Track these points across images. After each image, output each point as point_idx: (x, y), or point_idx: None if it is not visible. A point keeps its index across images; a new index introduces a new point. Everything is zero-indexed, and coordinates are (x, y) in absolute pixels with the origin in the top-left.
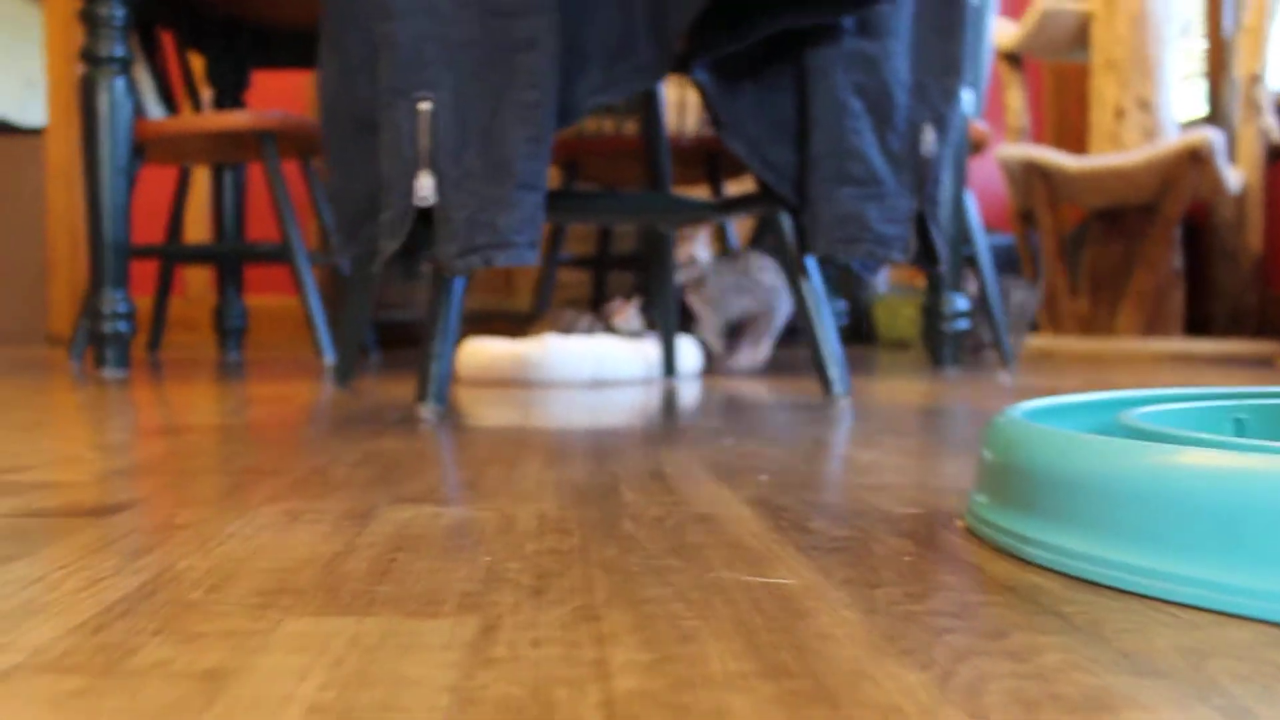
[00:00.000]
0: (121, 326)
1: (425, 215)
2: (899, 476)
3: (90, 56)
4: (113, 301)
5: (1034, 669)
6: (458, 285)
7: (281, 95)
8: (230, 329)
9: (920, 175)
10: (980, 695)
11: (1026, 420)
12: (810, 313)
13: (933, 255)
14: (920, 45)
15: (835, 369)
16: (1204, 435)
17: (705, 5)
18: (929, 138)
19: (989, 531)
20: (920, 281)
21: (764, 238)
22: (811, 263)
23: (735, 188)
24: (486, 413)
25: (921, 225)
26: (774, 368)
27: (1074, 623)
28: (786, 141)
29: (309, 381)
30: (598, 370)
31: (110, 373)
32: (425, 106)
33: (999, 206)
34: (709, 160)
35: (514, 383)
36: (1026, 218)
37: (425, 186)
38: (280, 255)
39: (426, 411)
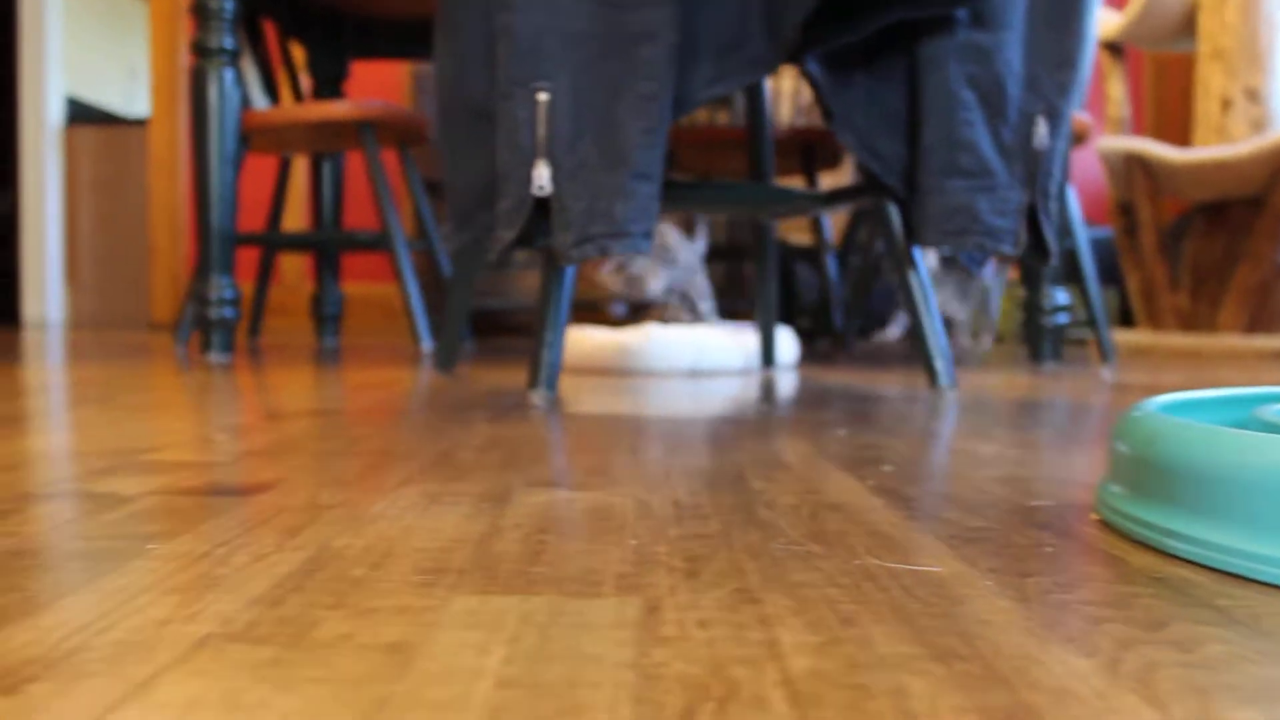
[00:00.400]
0: (228, 312)
1: (541, 204)
2: (1021, 469)
3: (201, 48)
4: (219, 288)
5: (1200, 659)
6: (569, 274)
7: (379, 85)
8: (327, 315)
9: (1032, 168)
10: (1151, 683)
11: (1166, 414)
12: (917, 305)
13: (1044, 249)
14: (1034, 37)
15: (941, 361)
16: None
17: None
18: (1041, 130)
19: (1127, 524)
20: (1012, 274)
21: (859, 229)
22: (918, 254)
23: (830, 179)
24: (594, 400)
25: (1032, 218)
26: (867, 359)
27: (1232, 616)
28: (896, 133)
29: (410, 368)
30: (697, 360)
31: (216, 357)
32: (543, 97)
33: (1097, 199)
34: (804, 151)
35: (614, 371)
36: (1125, 210)
37: (542, 176)
38: (379, 243)
39: (538, 398)
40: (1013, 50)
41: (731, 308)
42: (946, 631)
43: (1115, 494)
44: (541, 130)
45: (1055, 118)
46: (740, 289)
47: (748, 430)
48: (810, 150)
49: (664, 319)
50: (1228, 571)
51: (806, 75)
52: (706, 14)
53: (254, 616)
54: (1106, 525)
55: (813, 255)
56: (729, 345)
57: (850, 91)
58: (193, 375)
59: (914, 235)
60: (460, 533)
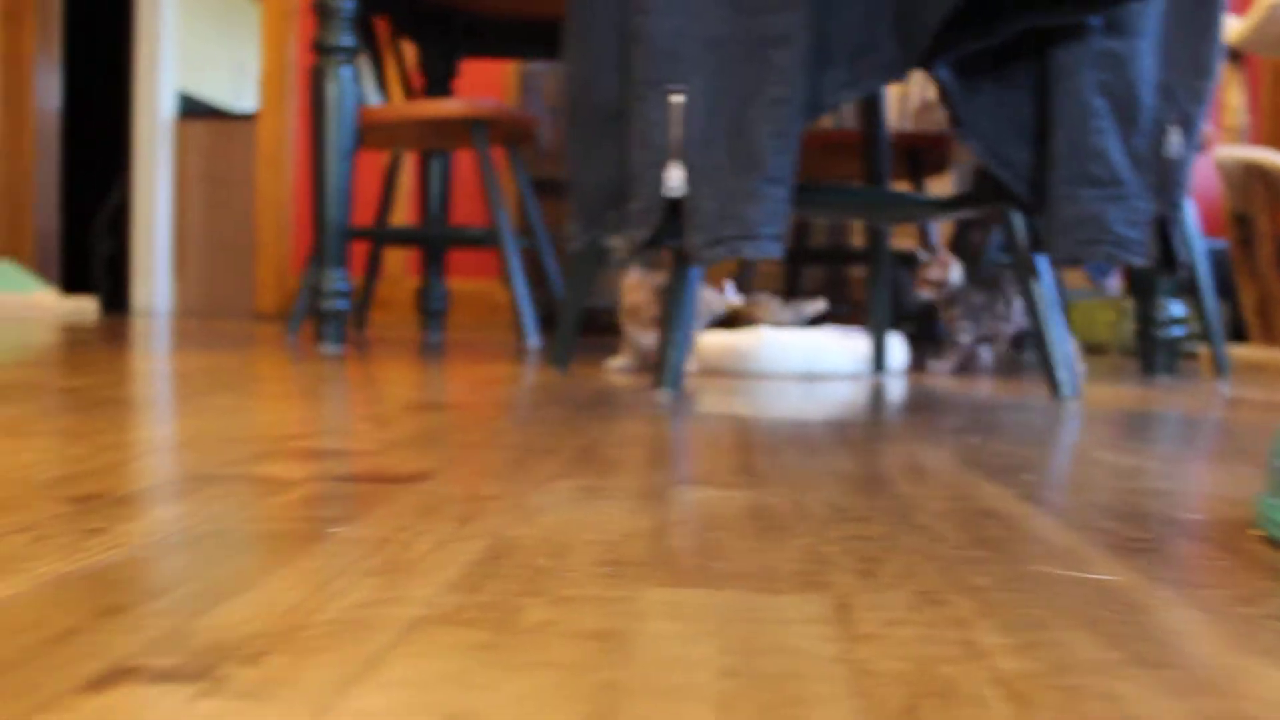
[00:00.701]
0: (341, 304)
1: (671, 205)
2: (1164, 482)
3: (321, 46)
4: (333, 280)
5: None
6: (694, 275)
7: (485, 84)
8: (432, 310)
9: (1163, 177)
10: None
11: None
12: (1041, 314)
13: (1172, 260)
14: (1169, 44)
15: (1065, 371)
16: None
17: (959, 4)
18: (1174, 139)
19: None
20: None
21: (964, 239)
22: (1043, 263)
23: (934, 186)
24: (716, 401)
25: (1162, 229)
26: (975, 366)
27: None
28: (1023, 140)
29: (522, 364)
30: (809, 363)
31: (328, 348)
32: (676, 99)
33: (1210, 210)
34: (910, 156)
35: (726, 373)
36: (1241, 222)
37: (675, 177)
38: (488, 240)
39: (663, 397)
40: (1147, 58)
41: (833, 312)
42: (1140, 639)
43: (1278, 507)
44: (674, 132)
45: (1189, 126)
46: (841, 292)
47: (877, 434)
48: (917, 156)
49: (768, 320)
50: None
51: (936, 81)
52: (838, 18)
53: (456, 601)
54: (1270, 541)
55: (912, 261)
56: (840, 349)
57: (979, 98)
58: (309, 365)
59: (1041, 244)
60: (629, 527)
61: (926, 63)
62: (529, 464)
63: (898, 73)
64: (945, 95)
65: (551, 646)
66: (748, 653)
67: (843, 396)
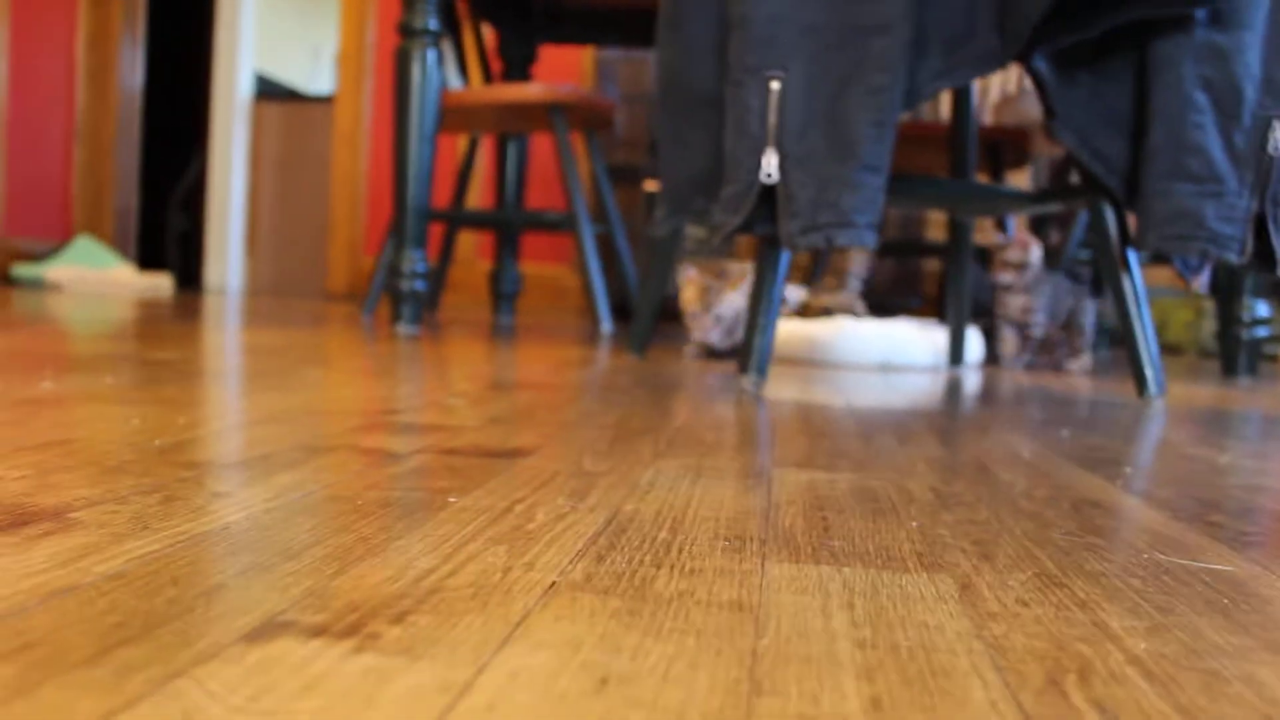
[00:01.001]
0: (419, 285)
1: (764, 191)
2: (1265, 479)
3: (406, 29)
4: (412, 261)
5: None
6: (783, 260)
7: (561, 69)
8: (505, 293)
9: (1264, 174)
10: None
11: None
12: (1129, 311)
13: (1271, 259)
14: (1276, 39)
15: (1151, 369)
16: None
17: None
18: (1278, 135)
19: None
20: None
21: (1041, 236)
22: (1134, 258)
23: (1013, 180)
24: (799, 389)
25: (1260, 227)
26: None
27: None
28: (1118, 133)
29: (598, 349)
30: (887, 355)
31: (405, 329)
32: (775, 85)
33: None
34: (990, 150)
35: (804, 362)
36: None
37: (771, 164)
38: (565, 224)
39: (749, 382)
40: (1252, 52)
41: (903, 304)
42: (1268, 627)
43: None
44: (772, 118)
45: None
46: (912, 285)
47: (964, 424)
48: (996, 149)
49: (848, 310)
50: None
51: (1032, 72)
52: (937, 7)
53: (586, 569)
54: None
55: (988, 256)
56: (918, 341)
57: (1074, 90)
58: (388, 345)
59: (1133, 239)
60: (740, 506)
61: (1024, 54)
62: (628, 443)
63: (996, 63)
64: (1040, 87)
65: (690, 615)
66: (880, 626)
67: (923, 388)
